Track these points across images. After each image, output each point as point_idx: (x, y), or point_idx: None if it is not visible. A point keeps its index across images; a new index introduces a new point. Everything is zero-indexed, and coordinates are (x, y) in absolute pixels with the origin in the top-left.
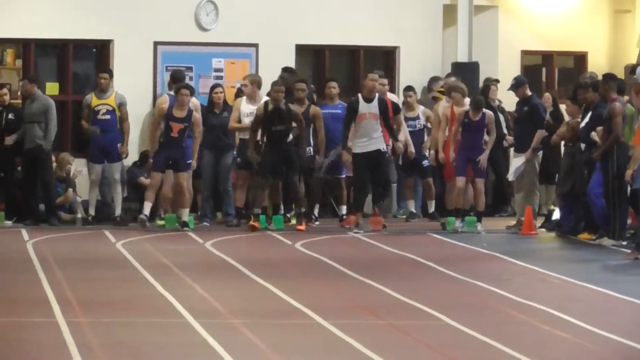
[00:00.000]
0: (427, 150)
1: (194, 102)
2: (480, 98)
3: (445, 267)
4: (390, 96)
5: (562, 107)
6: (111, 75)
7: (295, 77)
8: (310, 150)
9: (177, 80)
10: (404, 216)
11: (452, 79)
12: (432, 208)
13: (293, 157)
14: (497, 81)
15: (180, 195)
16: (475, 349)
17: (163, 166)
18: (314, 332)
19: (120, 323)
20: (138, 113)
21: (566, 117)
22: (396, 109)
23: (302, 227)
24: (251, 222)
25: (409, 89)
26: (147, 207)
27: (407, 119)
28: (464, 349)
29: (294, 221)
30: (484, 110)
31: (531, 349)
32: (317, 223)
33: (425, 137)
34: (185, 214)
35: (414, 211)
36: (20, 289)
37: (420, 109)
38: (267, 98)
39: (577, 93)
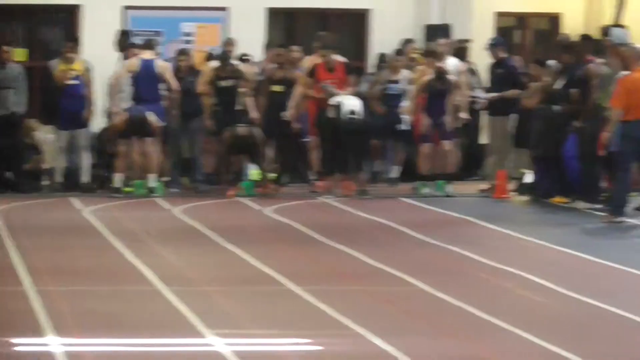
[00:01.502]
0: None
1: (163, 65)
2: (442, 69)
3: (418, 232)
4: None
5: None
6: (76, 44)
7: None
8: (285, 114)
9: (122, 45)
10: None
11: (443, 40)
12: (395, 173)
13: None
14: (467, 41)
15: (147, 160)
16: (450, 314)
17: (128, 133)
18: (286, 298)
19: (91, 291)
20: (107, 78)
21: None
22: (348, 68)
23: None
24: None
25: (399, 52)
26: (119, 179)
27: (388, 82)
28: (439, 314)
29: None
30: (447, 76)
31: (507, 313)
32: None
33: (403, 102)
34: (152, 180)
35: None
36: None
37: (404, 74)
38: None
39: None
